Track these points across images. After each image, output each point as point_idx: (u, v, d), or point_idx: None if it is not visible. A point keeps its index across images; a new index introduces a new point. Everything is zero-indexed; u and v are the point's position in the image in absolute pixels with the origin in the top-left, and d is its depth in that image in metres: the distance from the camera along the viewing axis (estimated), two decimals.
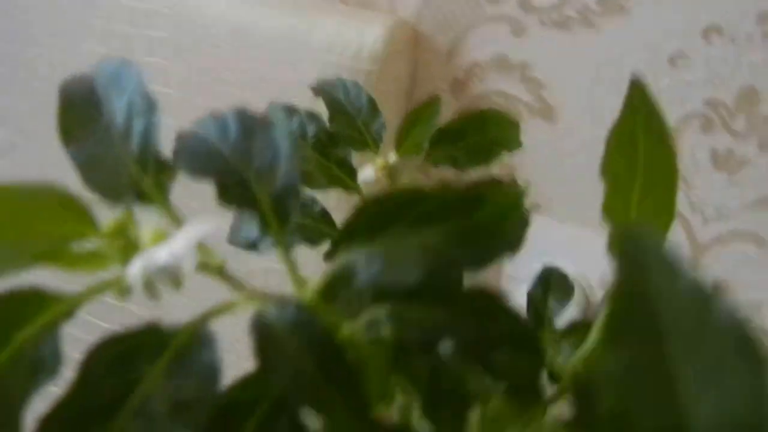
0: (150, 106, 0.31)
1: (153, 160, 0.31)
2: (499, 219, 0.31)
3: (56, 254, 0.29)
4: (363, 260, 0.30)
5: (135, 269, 0.27)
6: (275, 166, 0.32)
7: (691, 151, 0.84)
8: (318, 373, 0.28)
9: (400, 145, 0.59)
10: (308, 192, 0.65)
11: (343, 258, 0.31)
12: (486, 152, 0.56)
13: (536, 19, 0.87)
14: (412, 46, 0.94)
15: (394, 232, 0.31)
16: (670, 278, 0.24)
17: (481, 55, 0.92)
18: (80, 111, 0.31)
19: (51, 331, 0.28)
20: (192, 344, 0.28)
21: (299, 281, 0.31)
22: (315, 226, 0.60)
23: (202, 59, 0.94)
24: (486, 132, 0.61)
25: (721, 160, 0.83)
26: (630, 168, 0.35)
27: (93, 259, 0.29)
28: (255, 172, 0.32)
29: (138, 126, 0.31)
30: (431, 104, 0.59)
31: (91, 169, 0.31)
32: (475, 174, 0.41)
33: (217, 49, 0.94)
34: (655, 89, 0.83)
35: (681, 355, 0.23)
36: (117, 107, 0.31)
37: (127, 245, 0.29)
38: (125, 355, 0.28)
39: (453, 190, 0.30)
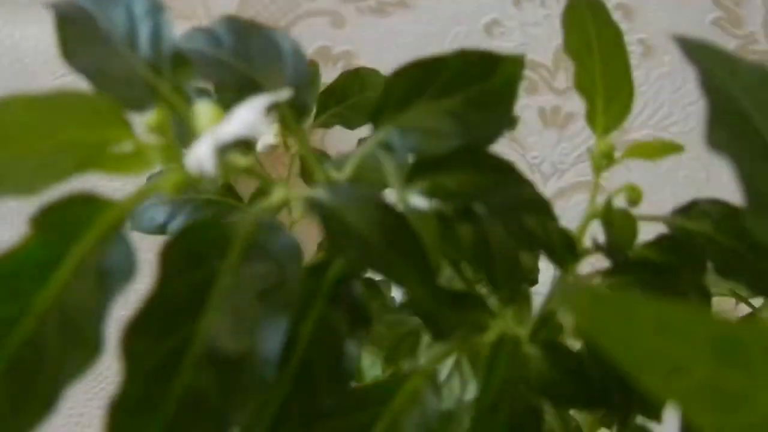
0: (155, 7, 0.29)
1: (167, 62, 0.30)
2: (508, 85, 0.32)
3: (98, 159, 0.27)
4: (397, 136, 0.31)
5: (203, 150, 0.26)
6: (282, 63, 0.32)
7: (521, 113, 0.89)
8: (384, 244, 0.28)
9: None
10: None
11: (377, 135, 0.31)
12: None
13: (353, 8, 0.89)
14: None
15: (420, 105, 0.31)
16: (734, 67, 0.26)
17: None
18: (76, 28, 0.29)
19: (115, 235, 0.26)
20: (259, 233, 0.27)
21: (337, 163, 0.30)
22: (221, 201, 0.59)
23: None
24: (364, 89, 0.63)
25: (549, 118, 0.88)
26: (587, 46, 0.37)
27: (134, 162, 0.28)
28: (260, 72, 0.31)
29: (144, 30, 0.29)
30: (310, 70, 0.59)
31: (103, 81, 0.29)
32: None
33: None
34: None
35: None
36: (114, 17, 0.30)
37: (167, 144, 0.28)
38: (196, 253, 0.26)
39: (471, 54, 0.31)
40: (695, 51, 0.26)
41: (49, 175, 0.26)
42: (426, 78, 0.30)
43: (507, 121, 0.31)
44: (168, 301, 0.25)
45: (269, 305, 0.25)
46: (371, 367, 0.56)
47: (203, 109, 0.26)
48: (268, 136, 0.57)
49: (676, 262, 0.33)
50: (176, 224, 0.59)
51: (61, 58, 0.29)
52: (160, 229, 0.59)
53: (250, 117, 0.25)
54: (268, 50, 0.31)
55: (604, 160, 0.35)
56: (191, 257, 0.26)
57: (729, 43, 0.81)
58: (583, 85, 0.36)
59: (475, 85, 0.30)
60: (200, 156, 0.25)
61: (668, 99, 0.83)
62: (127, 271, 0.25)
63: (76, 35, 0.29)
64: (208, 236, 0.26)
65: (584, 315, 0.17)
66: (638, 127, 0.85)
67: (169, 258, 0.25)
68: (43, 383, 0.24)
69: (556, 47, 0.84)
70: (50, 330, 0.24)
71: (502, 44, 0.85)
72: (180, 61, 0.29)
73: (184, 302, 0.25)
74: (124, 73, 0.29)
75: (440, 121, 0.30)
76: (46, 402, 0.24)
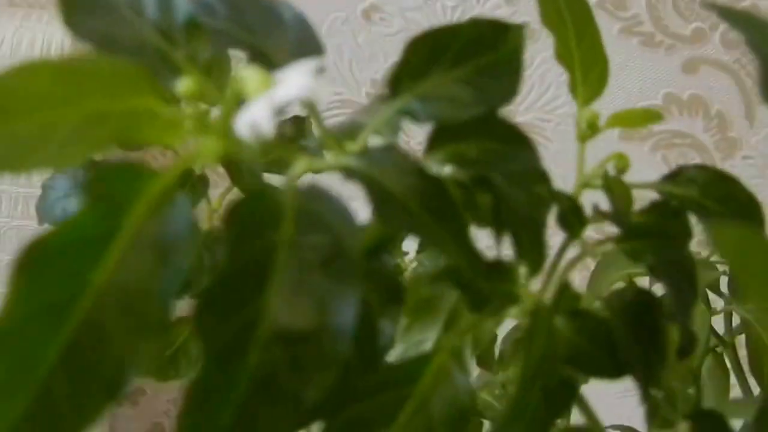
0: None
1: (180, 30, 0.28)
2: (515, 53, 0.32)
3: (130, 129, 0.25)
4: (418, 103, 0.30)
5: (261, 112, 0.24)
6: (284, 33, 0.30)
7: None
8: (424, 209, 0.27)
9: None
10: None
11: (395, 103, 0.30)
12: None
13: None
14: None
15: (437, 73, 0.30)
16: None
17: None
18: None
19: (170, 203, 0.24)
20: (311, 202, 0.26)
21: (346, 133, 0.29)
22: None
23: None
24: None
25: None
26: (560, 18, 0.38)
27: (168, 132, 0.26)
28: (264, 41, 0.30)
29: None
30: None
31: (110, 50, 0.27)
32: None
33: None
34: (354, 44, 0.87)
35: None
36: None
37: (202, 113, 0.26)
38: (251, 226, 0.25)
39: (483, 23, 0.31)
40: (738, 19, 0.26)
41: (82, 146, 0.24)
42: (441, 47, 0.29)
43: (516, 89, 0.31)
44: (231, 276, 0.23)
45: (334, 277, 0.24)
46: None
47: (250, 75, 0.24)
48: None
49: (671, 228, 0.33)
50: None
51: (64, 25, 0.27)
52: None
53: (305, 80, 0.24)
54: (267, 19, 0.30)
55: (588, 130, 0.36)
56: (248, 230, 0.24)
57: (614, 26, 0.84)
58: (562, 56, 0.36)
59: (487, 54, 0.30)
60: (257, 119, 0.24)
61: (554, 81, 0.86)
62: (186, 241, 0.23)
63: (78, 5, 0.27)
64: (261, 207, 0.25)
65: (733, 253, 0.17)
66: (524, 111, 0.87)
67: (229, 230, 0.24)
68: (105, 369, 0.22)
69: None
70: (110, 310, 0.22)
71: (381, 30, 0.85)
72: (194, 28, 0.27)
73: (247, 278, 0.24)
74: (132, 41, 0.27)
75: (457, 89, 0.29)
76: (109, 390, 0.22)
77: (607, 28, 0.83)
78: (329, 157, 0.28)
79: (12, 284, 0.22)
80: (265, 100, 0.24)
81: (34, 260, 0.22)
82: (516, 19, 0.83)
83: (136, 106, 0.25)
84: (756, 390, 0.50)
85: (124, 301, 0.22)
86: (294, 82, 0.24)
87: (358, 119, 0.31)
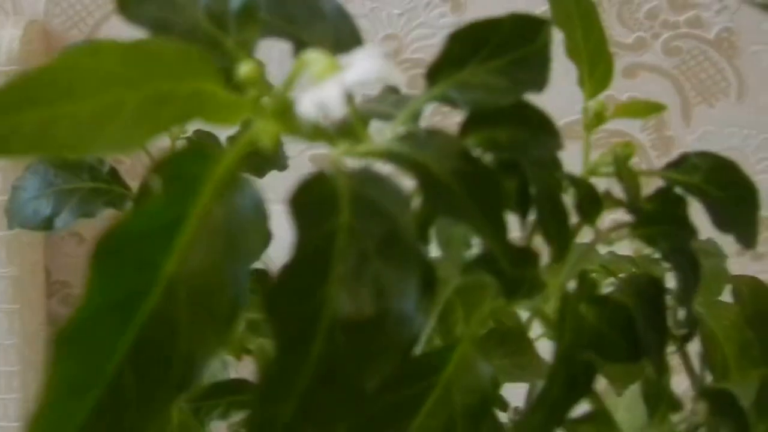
0: None
1: (233, 17, 0.27)
2: (545, 47, 0.32)
3: (192, 112, 0.24)
4: (456, 91, 0.29)
5: (332, 94, 0.23)
6: (324, 23, 0.29)
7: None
8: (466, 193, 0.27)
9: None
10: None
11: (432, 91, 0.29)
12: None
13: None
14: (45, 44, 0.89)
15: (475, 64, 0.30)
16: None
17: None
18: None
19: (237, 186, 0.23)
20: (365, 185, 0.25)
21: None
22: (109, 189, 0.54)
23: None
24: None
25: None
26: (568, 17, 0.38)
27: (228, 115, 0.25)
28: (305, 31, 0.29)
29: None
30: None
31: (163, 34, 0.26)
32: None
33: None
34: None
35: None
36: None
37: (260, 97, 0.25)
38: (310, 213, 0.24)
39: (521, 18, 0.30)
40: None
41: (145, 127, 0.23)
42: (481, 39, 0.29)
43: (546, 79, 0.31)
44: (297, 265, 0.23)
45: (393, 263, 0.24)
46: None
47: (316, 58, 0.24)
48: None
49: (678, 215, 0.34)
50: (64, 217, 0.53)
51: (118, 11, 0.26)
52: (46, 223, 0.53)
53: (377, 62, 0.24)
54: (308, 10, 0.29)
55: (595, 119, 0.36)
56: (308, 218, 0.23)
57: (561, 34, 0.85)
58: (571, 52, 0.36)
59: (522, 47, 0.30)
60: (327, 100, 0.23)
61: None
62: (256, 224, 0.22)
63: None
64: (318, 194, 0.24)
65: None
66: None
67: (293, 217, 0.23)
68: (173, 364, 0.21)
69: (383, 38, 0.85)
70: (179, 303, 0.21)
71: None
72: (247, 15, 0.26)
73: (311, 266, 0.23)
74: (185, 26, 0.26)
75: (492, 79, 0.29)
76: (178, 385, 0.21)
77: (558, 37, 0.83)
78: (370, 141, 0.27)
79: (87, 276, 0.21)
80: (336, 81, 0.23)
81: (106, 251, 0.21)
82: None
83: (198, 89, 0.24)
84: None
85: (193, 293, 0.21)
86: (365, 65, 0.23)
87: (378, 108, 0.31)
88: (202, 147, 0.22)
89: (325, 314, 0.22)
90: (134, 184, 0.55)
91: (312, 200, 0.24)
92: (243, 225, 0.22)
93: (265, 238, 0.22)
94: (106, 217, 0.53)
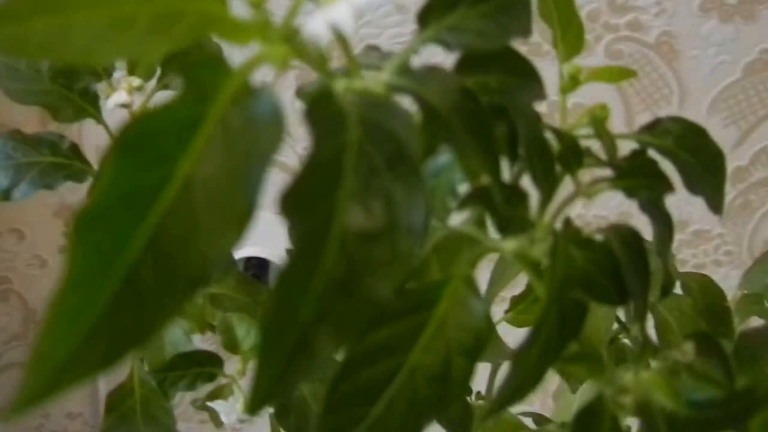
0: None
1: None
2: None
3: (203, 30, 0.24)
4: (448, 34, 0.30)
5: (342, 13, 0.23)
6: None
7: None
8: (463, 126, 0.27)
9: (132, 69, 0.55)
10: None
11: (426, 33, 0.29)
12: None
13: None
14: None
15: (463, 8, 0.30)
16: None
17: None
18: None
19: (253, 92, 0.23)
20: (372, 110, 0.25)
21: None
22: (69, 163, 0.53)
23: None
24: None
25: None
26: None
27: (234, 36, 0.25)
28: None
29: None
30: None
31: None
32: None
33: None
34: None
35: None
36: None
37: (264, 20, 0.25)
38: (321, 127, 0.24)
39: None
40: None
41: (159, 39, 0.23)
42: None
43: (530, 27, 0.31)
44: (309, 174, 0.23)
45: (401, 179, 0.24)
46: (246, 336, 0.53)
47: None
48: (119, 94, 0.53)
49: (655, 169, 0.35)
50: (22, 188, 0.53)
51: None
52: (4, 194, 0.53)
53: None
54: None
55: (570, 82, 0.37)
56: (320, 131, 0.24)
57: None
58: (544, 16, 0.37)
59: None
60: (337, 20, 0.23)
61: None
62: (273, 129, 0.22)
63: None
64: (328, 110, 0.24)
65: None
66: None
67: (308, 127, 0.23)
68: (189, 261, 0.21)
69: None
70: (196, 201, 0.21)
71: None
72: None
73: (322, 176, 0.23)
74: None
75: (482, 23, 0.30)
76: (193, 282, 0.21)
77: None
78: (370, 76, 0.28)
79: (106, 166, 0.21)
80: (346, 2, 0.24)
81: (126, 142, 0.21)
82: (406, 28, 0.84)
83: (206, 10, 0.24)
84: None
85: (210, 192, 0.21)
86: None
87: (366, 61, 0.31)
88: (219, 58, 0.22)
89: (336, 220, 0.22)
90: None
91: (323, 116, 0.24)
92: (259, 130, 0.22)
93: (280, 139, 0.22)
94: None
